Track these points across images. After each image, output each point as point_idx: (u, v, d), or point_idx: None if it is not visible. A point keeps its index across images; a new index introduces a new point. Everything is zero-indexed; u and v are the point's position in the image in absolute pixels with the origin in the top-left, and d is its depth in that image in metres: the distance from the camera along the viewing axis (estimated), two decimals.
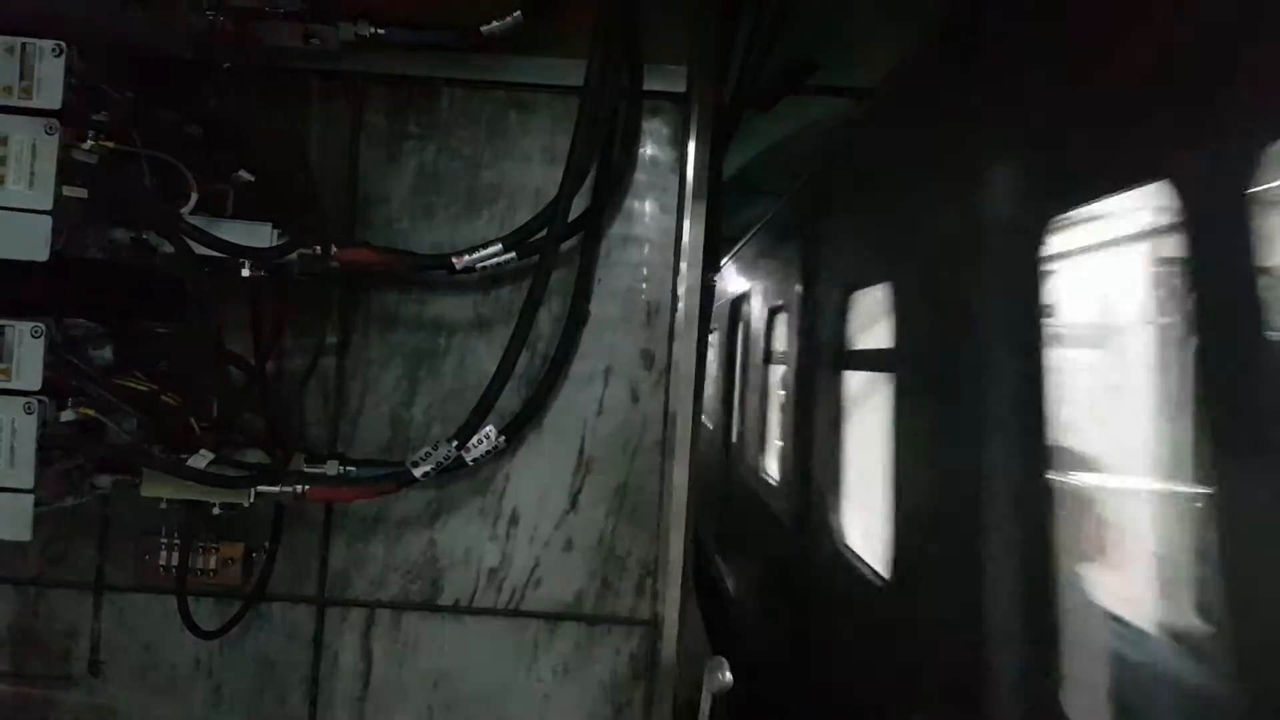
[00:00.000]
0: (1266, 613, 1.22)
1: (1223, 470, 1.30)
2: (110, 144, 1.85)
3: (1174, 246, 1.37)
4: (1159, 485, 2.19)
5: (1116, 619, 1.98)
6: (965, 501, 2.03)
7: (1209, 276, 1.28)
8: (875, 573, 2.74)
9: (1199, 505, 1.57)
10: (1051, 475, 1.76)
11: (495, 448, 2.28)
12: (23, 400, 1.76)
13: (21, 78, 1.74)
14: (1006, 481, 1.90)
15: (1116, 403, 2.33)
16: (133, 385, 1.96)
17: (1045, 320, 1.83)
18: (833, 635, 3.14)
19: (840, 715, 2.94)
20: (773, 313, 5.23)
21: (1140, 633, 1.97)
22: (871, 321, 3.13)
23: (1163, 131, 1.47)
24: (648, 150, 2.46)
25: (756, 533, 4.70)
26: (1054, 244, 1.79)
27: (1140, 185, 1.50)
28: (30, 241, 1.73)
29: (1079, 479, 2.13)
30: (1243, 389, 1.25)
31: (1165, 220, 1.47)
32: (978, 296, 2.10)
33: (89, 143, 1.81)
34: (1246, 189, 1.19)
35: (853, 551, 3.04)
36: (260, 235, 2.08)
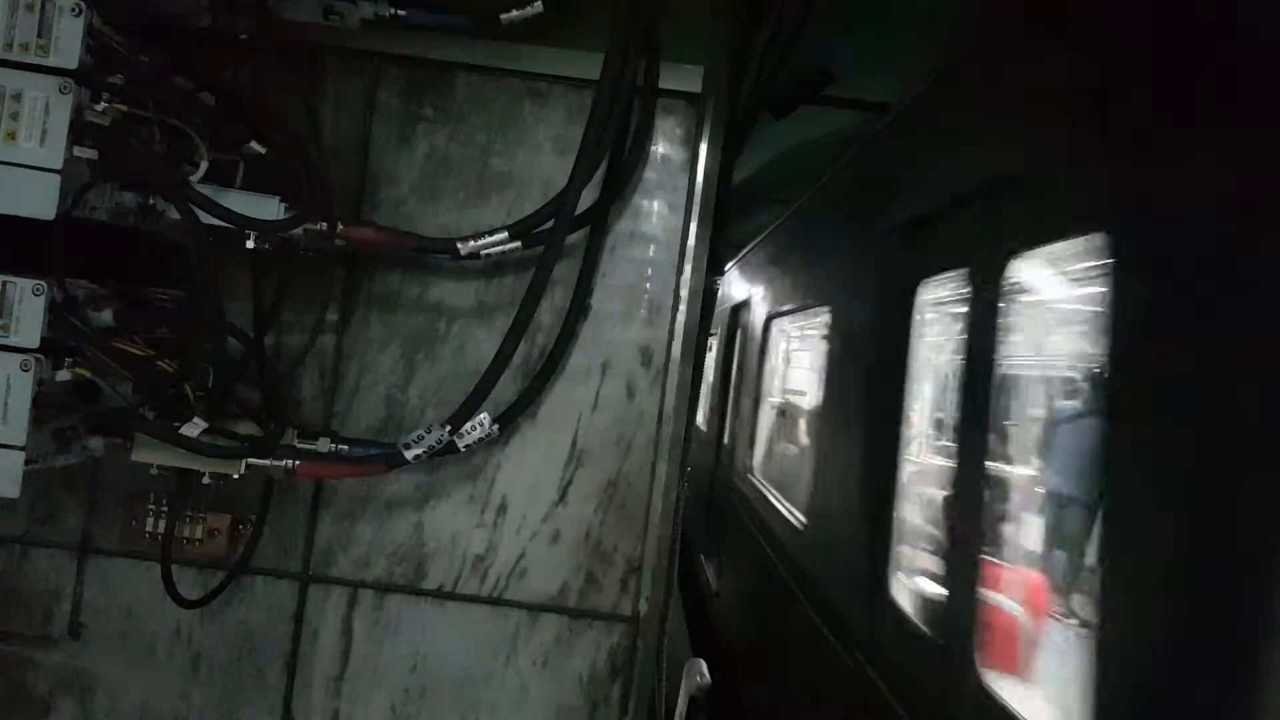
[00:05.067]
0: None
1: None
2: (123, 107, 1.84)
3: None
4: None
5: None
6: None
7: None
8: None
9: None
10: None
11: (488, 435, 2.28)
12: (20, 357, 1.76)
13: (39, 35, 1.73)
14: None
15: None
16: (130, 349, 1.96)
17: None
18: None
19: None
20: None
21: None
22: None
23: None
24: (659, 148, 2.46)
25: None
26: None
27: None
28: (39, 199, 1.73)
29: None
30: None
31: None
32: None
33: (102, 105, 1.80)
34: None
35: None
36: (267, 208, 2.07)
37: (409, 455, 2.20)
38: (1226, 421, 1.23)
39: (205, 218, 1.96)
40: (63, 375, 1.85)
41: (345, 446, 2.28)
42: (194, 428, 2.02)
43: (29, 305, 1.77)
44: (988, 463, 2.07)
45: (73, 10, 1.74)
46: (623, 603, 2.45)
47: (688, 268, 2.42)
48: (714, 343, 7.47)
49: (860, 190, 3.43)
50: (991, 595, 1.87)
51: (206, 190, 1.99)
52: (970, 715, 1.73)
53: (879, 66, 4.80)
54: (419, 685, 2.44)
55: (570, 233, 2.28)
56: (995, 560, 2.01)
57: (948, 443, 2.29)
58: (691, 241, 2.42)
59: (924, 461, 2.60)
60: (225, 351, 2.20)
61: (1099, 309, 1.59)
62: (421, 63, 2.42)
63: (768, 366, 5.32)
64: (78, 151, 1.76)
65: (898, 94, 3.41)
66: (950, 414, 2.32)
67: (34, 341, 1.77)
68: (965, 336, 2.24)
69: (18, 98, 1.73)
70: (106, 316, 1.95)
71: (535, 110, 2.45)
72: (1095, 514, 1.54)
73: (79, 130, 1.76)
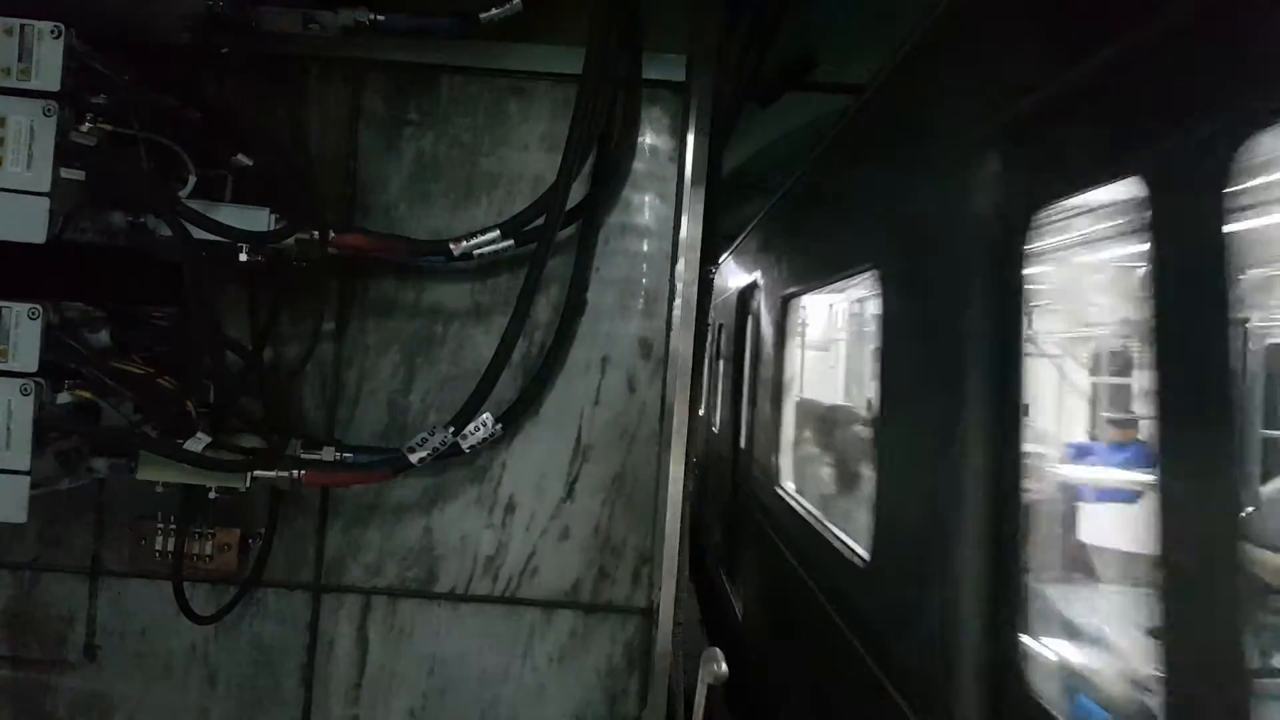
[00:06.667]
0: None
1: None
2: (108, 127, 1.85)
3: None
4: None
5: None
6: None
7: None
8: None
9: None
10: None
11: (492, 435, 2.28)
12: (19, 382, 1.76)
13: (20, 59, 1.74)
14: None
15: None
16: (129, 368, 1.96)
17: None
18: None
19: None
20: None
21: None
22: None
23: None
24: (647, 139, 2.46)
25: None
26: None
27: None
28: (28, 223, 1.74)
29: None
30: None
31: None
32: None
33: (87, 125, 1.81)
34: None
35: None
36: (258, 220, 2.08)
37: (414, 459, 2.20)
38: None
39: (197, 233, 1.97)
40: (63, 398, 1.85)
41: (350, 454, 2.29)
42: (197, 443, 2.03)
43: (25, 329, 1.77)
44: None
45: (52, 33, 1.74)
46: (636, 595, 2.45)
47: (681, 258, 2.41)
48: None
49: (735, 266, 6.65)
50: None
51: (196, 205, 1.99)
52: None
53: (864, 49, 4.80)
54: (437, 688, 2.44)
55: (562, 228, 2.28)
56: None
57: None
58: (684, 231, 2.41)
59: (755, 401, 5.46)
60: (225, 366, 2.20)
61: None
62: (404, 67, 2.42)
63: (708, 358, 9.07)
64: (65, 173, 1.77)
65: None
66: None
67: (32, 365, 1.77)
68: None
69: (2, 122, 1.73)
70: (104, 337, 1.96)
71: (520, 108, 2.45)
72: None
73: (65, 152, 1.77)
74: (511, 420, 2.35)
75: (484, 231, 2.22)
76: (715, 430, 7.35)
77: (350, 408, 2.44)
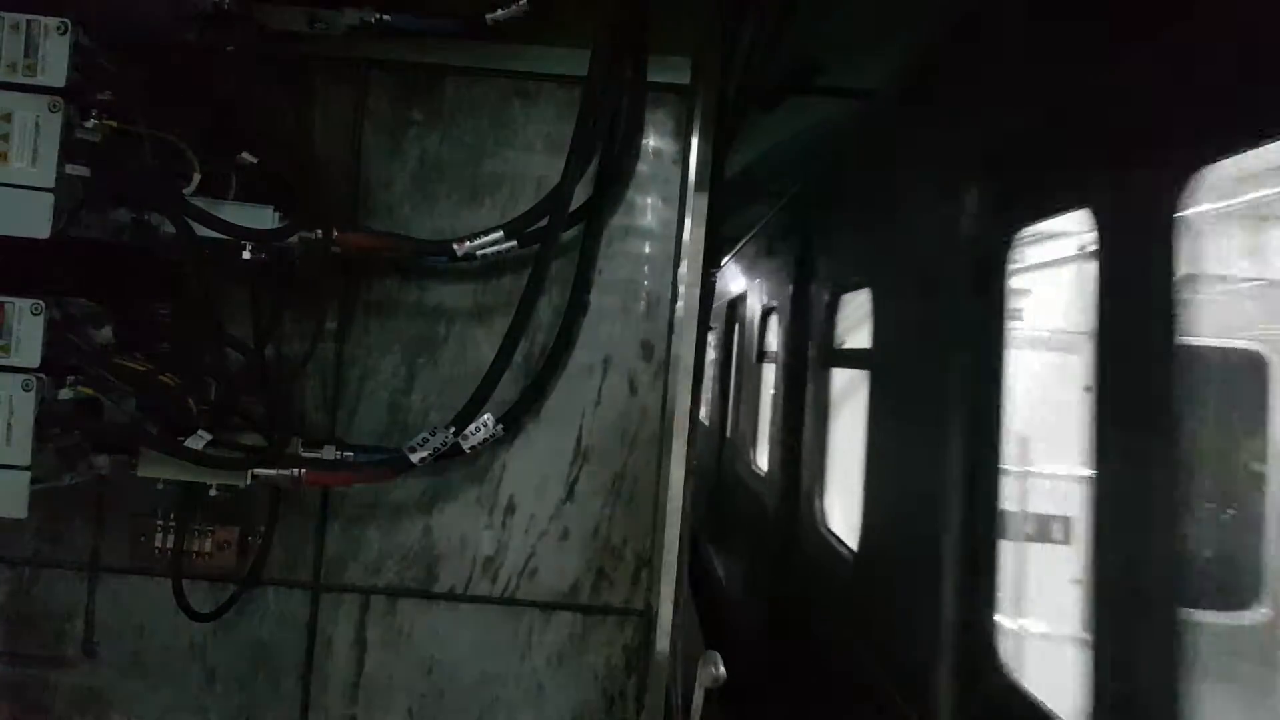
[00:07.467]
0: None
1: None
2: (113, 123, 1.85)
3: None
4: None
5: None
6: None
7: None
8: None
9: None
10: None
11: (493, 436, 2.28)
12: (21, 377, 1.76)
13: (26, 54, 1.74)
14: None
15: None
16: (131, 365, 1.96)
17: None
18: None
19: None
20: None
21: None
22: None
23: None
24: (650, 142, 2.46)
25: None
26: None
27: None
28: (32, 219, 1.73)
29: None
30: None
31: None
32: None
33: (92, 121, 1.81)
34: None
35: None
36: (262, 218, 2.08)
37: (415, 459, 2.20)
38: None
39: (200, 230, 1.97)
40: (65, 394, 1.85)
41: (350, 453, 2.28)
42: (198, 440, 2.03)
43: (28, 325, 1.77)
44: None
45: (58, 28, 1.74)
46: (635, 597, 2.45)
47: (684, 260, 2.42)
48: None
49: None
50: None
51: (200, 203, 1.99)
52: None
53: (869, 55, 4.80)
54: (435, 688, 2.44)
55: (565, 230, 2.28)
56: None
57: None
58: (686, 234, 2.42)
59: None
60: (226, 363, 2.20)
61: None
62: (409, 67, 2.43)
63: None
64: (70, 169, 1.76)
65: (888, 81, 3.43)
66: None
67: (34, 361, 1.77)
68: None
69: (7, 118, 1.73)
70: (106, 333, 1.96)
71: (525, 109, 2.45)
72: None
73: (70, 148, 1.76)
74: (512, 421, 2.35)
75: (487, 232, 2.22)
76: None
77: (351, 407, 2.44)
